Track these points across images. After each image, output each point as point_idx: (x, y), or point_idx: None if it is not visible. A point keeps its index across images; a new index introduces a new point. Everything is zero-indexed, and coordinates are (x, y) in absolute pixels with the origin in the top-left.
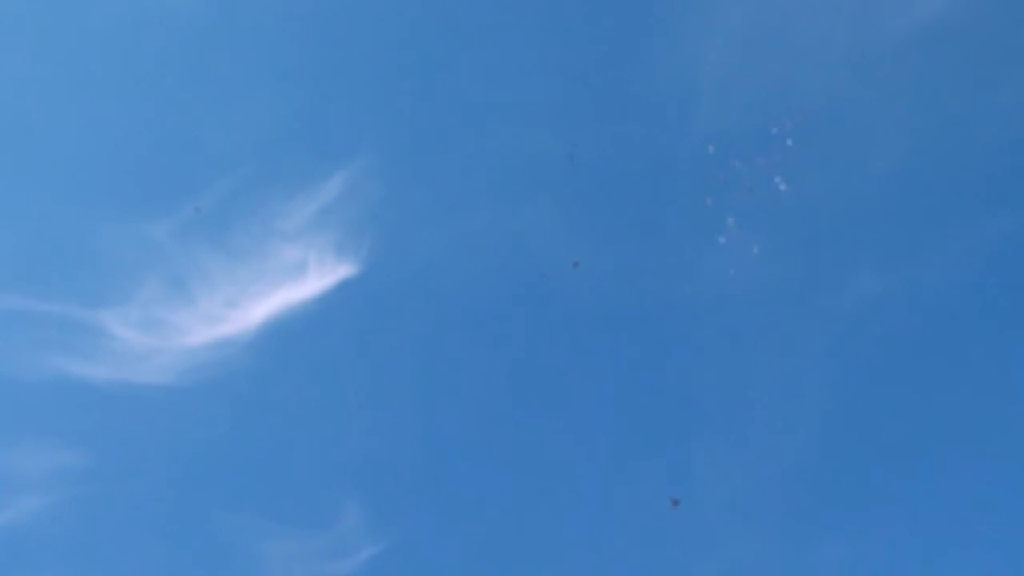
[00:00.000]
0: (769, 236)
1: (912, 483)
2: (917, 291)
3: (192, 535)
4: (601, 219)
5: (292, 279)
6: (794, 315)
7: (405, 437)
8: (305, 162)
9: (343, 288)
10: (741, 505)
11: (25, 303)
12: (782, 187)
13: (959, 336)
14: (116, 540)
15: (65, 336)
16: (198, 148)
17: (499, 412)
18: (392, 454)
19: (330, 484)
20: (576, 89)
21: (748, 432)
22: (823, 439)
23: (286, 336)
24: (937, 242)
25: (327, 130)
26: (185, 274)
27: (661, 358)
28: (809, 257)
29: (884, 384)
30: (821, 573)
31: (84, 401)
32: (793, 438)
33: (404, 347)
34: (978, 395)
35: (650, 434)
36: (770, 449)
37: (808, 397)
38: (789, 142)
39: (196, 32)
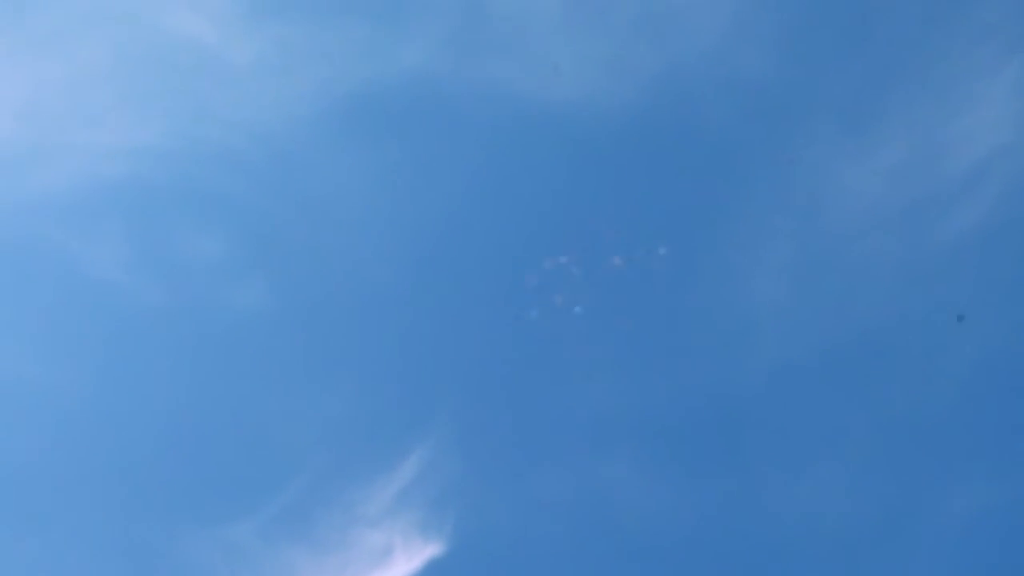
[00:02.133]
0: None
1: None
2: None
3: None
4: (680, 465)
5: (379, 564)
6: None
7: None
8: (379, 445)
9: (431, 568)
10: None
11: None
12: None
13: None
14: None
15: None
16: (275, 443)
17: None
18: None
19: None
20: (640, 338)
21: None
22: None
23: None
24: None
25: (397, 411)
26: (270, 571)
27: None
28: None
29: None
30: None
31: None
32: None
33: None
34: None
35: None
36: None
37: None
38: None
39: (262, 329)
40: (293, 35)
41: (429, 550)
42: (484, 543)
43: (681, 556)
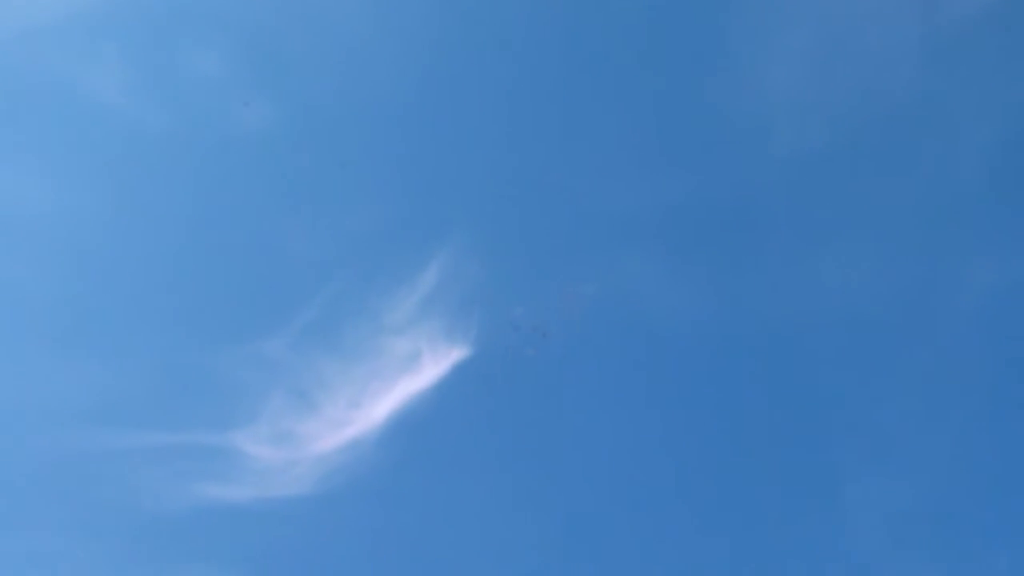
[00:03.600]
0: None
1: None
2: None
3: None
4: (705, 260)
5: (408, 370)
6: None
7: (541, 511)
8: (401, 254)
9: (459, 371)
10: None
11: (159, 437)
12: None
13: None
14: None
15: (202, 463)
16: (298, 261)
17: (636, 480)
18: (531, 528)
19: (478, 566)
20: (657, 133)
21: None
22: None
23: (411, 427)
24: None
25: (416, 219)
26: (305, 384)
27: (778, 395)
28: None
29: None
30: None
31: (230, 523)
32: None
33: (526, 423)
34: None
35: (781, 450)
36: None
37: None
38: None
39: (273, 148)
40: None
41: (455, 354)
42: (508, 346)
43: (701, 351)
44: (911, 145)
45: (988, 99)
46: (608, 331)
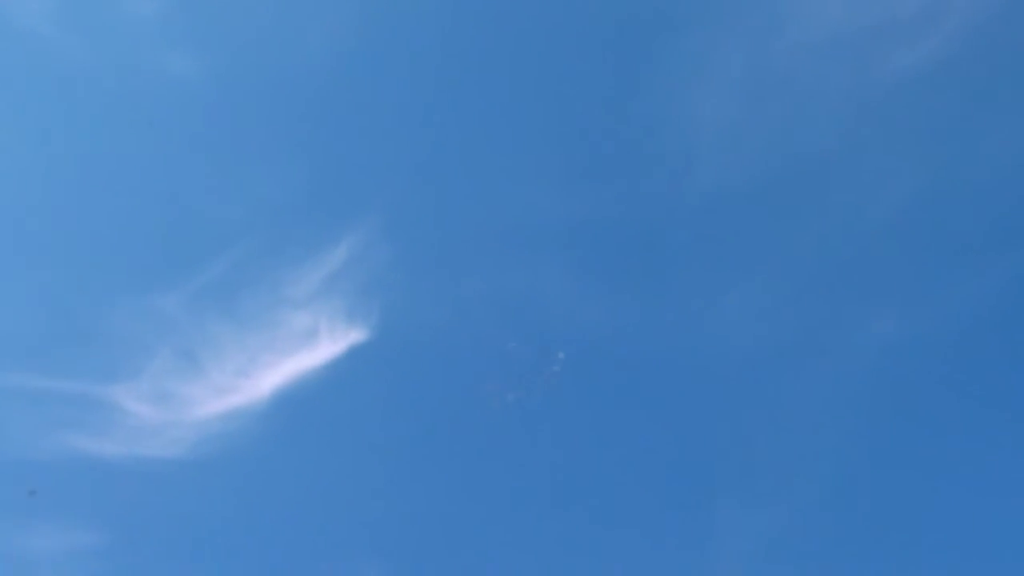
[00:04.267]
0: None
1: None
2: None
3: None
4: (608, 277)
5: (303, 346)
6: (808, 365)
7: (412, 498)
8: (312, 228)
9: (354, 353)
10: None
11: (36, 381)
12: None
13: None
14: None
15: (77, 413)
16: (204, 218)
17: (507, 480)
18: (403, 516)
19: (346, 548)
20: (580, 147)
21: (760, 495)
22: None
23: (298, 404)
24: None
25: (332, 195)
26: (195, 345)
27: (667, 418)
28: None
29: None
30: None
31: (96, 478)
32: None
33: (415, 412)
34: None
35: (655, 499)
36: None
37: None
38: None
39: (197, 101)
40: None
41: (353, 335)
42: (407, 333)
43: (597, 361)
44: (827, 192)
45: (907, 155)
46: (499, 331)
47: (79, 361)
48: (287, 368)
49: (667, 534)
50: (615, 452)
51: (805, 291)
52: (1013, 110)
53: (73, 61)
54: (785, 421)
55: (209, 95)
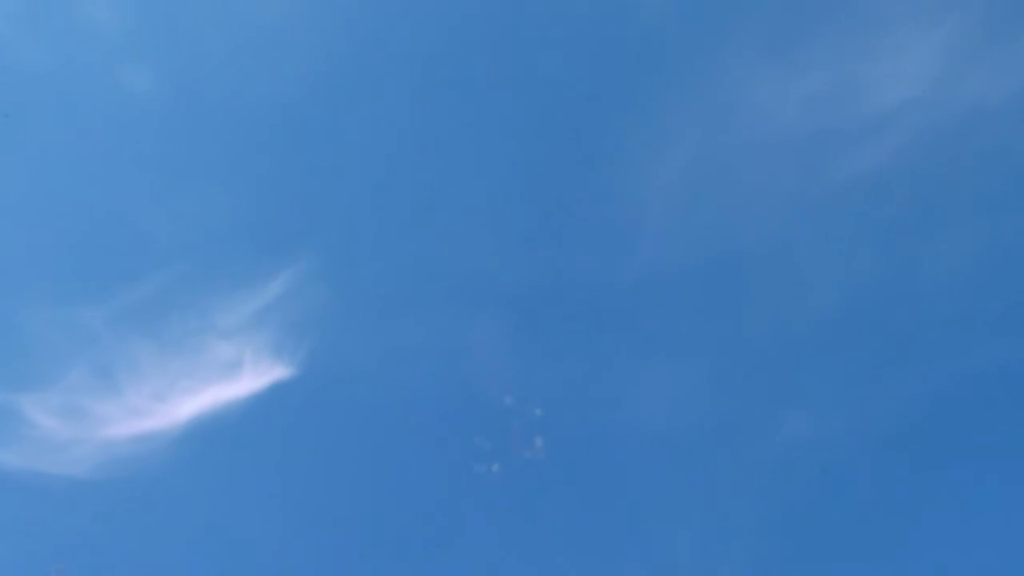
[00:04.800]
0: (704, 369)
1: None
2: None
3: None
4: (539, 341)
5: (225, 376)
6: (721, 453)
7: (316, 543)
8: (249, 259)
9: (277, 390)
10: None
11: None
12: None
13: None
14: None
15: None
16: (142, 236)
17: (415, 528)
18: (306, 559)
19: None
20: (528, 211)
21: None
22: None
23: (213, 434)
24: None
25: (275, 228)
26: (114, 363)
27: (572, 487)
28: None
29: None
30: None
31: None
32: None
33: (332, 455)
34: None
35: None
36: None
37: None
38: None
39: (148, 117)
40: None
41: (278, 371)
42: (333, 375)
43: (519, 421)
44: (761, 285)
45: (840, 259)
46: (425, 382)
47: None
48: (206, 397)
49: None
50: (521, 513)
51: (729, 378)
52: (948, 226)
53: (25, 62)
54: (691, 504)
55: (162, 113)
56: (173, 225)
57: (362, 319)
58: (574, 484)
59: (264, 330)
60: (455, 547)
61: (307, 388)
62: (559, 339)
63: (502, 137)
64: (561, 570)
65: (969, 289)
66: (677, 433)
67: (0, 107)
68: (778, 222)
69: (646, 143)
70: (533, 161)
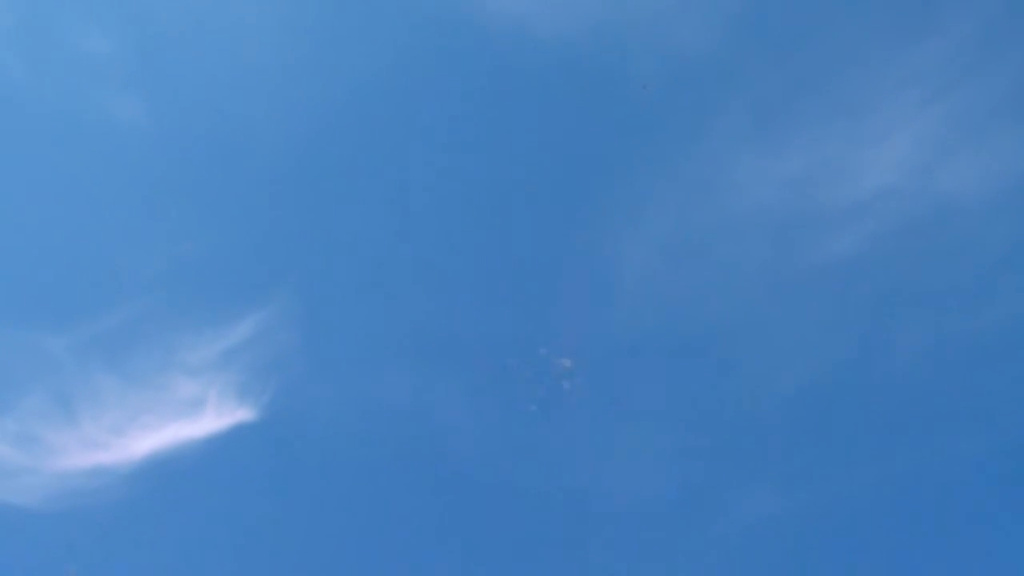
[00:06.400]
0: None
1: None
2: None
3: None
4: (506, 410)
5: (187, 415)
6: (681, 528)
7: None
8: (220, 298)
9: (238, 432)
10: None
11: None
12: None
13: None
14: None
15: None
16: (112, 267)
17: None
18: None
19: None
20: (504, 274)
21: None
22: None
23: (170, 472)
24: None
25: (248, 269)
26: (74, 392)
27: (531, 552)
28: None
29: None
30: None
31: None
32: None
33: (289, 500)
34: None
35: None
36: None
37: None
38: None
39: (131, 147)
40: None
41: (241, 413)
42: (296, 421)
43: (478, 483)
44: (735, 363)
45: (810, 340)
46: (387, 436)
47: None
48: (166, 434)
49: None
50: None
51: (697, 452)
52: (918, 313)
53: (13, 88)
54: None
55: (145, 144)
56: (147, 257)
57: (329, 367)
58: (535, 552)
59: (230, 371)
60: None
61: (269, 432)
62: (526, 405)
63: (481, 200)
64: None
65: (937, 376)
66: (642, 504)
67: None
68: (752, 300)
69: (626, 216)
70: (511, 226)
